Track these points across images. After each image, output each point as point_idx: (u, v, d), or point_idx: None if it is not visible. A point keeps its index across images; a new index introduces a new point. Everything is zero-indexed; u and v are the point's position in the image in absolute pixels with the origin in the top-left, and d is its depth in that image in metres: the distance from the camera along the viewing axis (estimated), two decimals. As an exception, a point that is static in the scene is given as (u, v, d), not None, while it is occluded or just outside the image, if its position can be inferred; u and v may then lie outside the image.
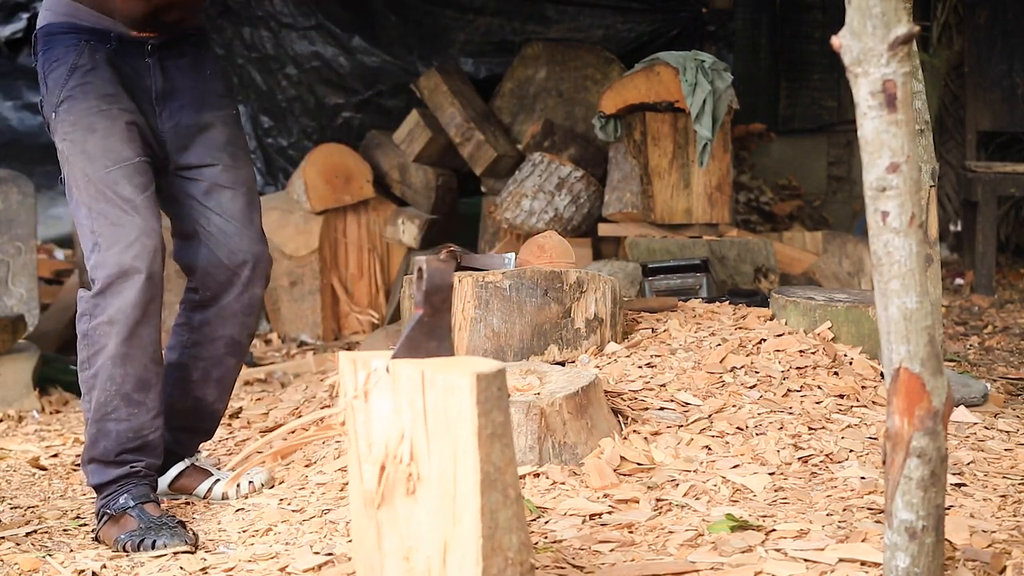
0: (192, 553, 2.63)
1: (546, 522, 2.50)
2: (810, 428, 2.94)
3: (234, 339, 3.04)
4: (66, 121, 2.82)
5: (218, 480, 3.07)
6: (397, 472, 1.88)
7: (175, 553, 2.63)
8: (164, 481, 3.08)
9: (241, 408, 4.10)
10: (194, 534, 2.72)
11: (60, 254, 6.70)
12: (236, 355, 3.07)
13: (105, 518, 2.81)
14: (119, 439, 2.82)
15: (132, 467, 2.83)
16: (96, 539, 2.83)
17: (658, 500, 2.60)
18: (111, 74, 2.83)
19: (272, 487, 3.06)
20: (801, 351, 3.29)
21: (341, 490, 2.89)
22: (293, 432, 2.12)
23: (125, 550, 2.69)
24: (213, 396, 3.09)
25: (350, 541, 2.54)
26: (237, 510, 2.95)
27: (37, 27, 2.90)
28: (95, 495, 2.89)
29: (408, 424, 1.88)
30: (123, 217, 2.76)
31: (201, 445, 3.20)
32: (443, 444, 1.85)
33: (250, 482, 3.05)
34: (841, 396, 3.11)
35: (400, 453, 1.88)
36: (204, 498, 3.07)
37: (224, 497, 3.04)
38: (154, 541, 2.67)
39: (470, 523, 1.83)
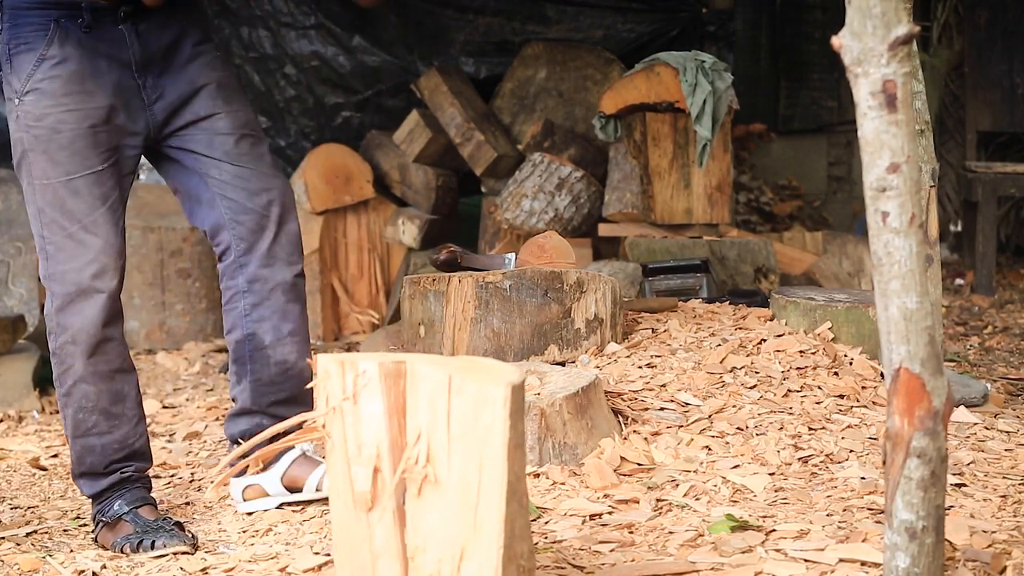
0: (191, 553, 2.63)
1: (546, 522, 2.50)
2: (810, 428, 2.94)
3: (287, 283, 2.88)
4: (30, 114, 2.70)
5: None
6: (411, 472, 1.86)
7: (174, 553, 2.63)
8: (276, 475, 2.93)
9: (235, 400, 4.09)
10: (192, 535, 2.72)
11: (60, 254, 6.70)
12: (297, 300, 2.90)
13: (101, 525, 2.80)
14: (104, 452, 2.79)
15: (123, 473, 2.82)
16: (95, 542, 2.82)
17: (658, 500, 2.60)
18: (82, 65, 2.69)
19: None
20: (801, 351, 3.29)
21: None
22: (273, 437, 2.11)
23: (124, 552, 2.69)
24: (294, 355, 2.92)
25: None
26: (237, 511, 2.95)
27: None
28: (91, 503, 2.88)
29: (426, 425, 1.86)
30: (80, 233, 2.70)
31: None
32: (468, 451, 1.83)
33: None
34: (841, 396, 3.11)
35: (415, 453, 1.87)
36: (317, 490, 2.89)
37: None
38: (153, 542, 2.66)
39: (492, 532, 1.82)
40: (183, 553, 2.63)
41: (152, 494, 2.90)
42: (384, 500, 1.89)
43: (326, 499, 2.82)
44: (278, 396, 2.91)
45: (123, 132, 2.76)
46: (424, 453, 1.86)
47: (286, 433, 2.10)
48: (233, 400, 2.98)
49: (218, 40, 6.14)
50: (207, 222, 2.87)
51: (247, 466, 2.11)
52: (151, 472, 3.00)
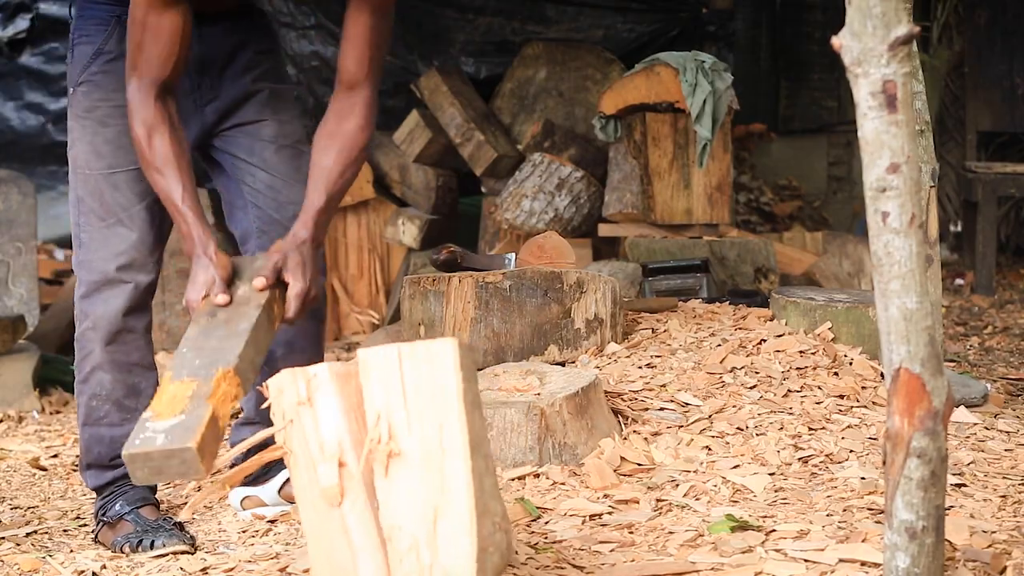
0: (190, 553, 2.63)
1: (546, 522, 2.50)
2: (810, 428, 2.94)
3: None
4: (81, 104, 2.74)
5: None
6: (375, 453, 1.90)
7: (173, 553, 2.63)
8: (273, 487, 2.93)
9: (242, 409, 4.09)
10: (191, 535, 2.72)
11: (60, 254, 6.70)
12: (315, 317, 2.87)
13: (102, 524, 2.80)
14: (113, 444, 2.78)
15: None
16: (96, 540, 2.82)
17: (658, 500, 2.60)
18: None
19: None
20: (801, 351, 3.29)
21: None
22: (233, 465, 2.13)
23: (123, 551, 2.69)
24: None
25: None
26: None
27: None
28: (95, 495, 2.88)
29: (383, 406, 1.90)
30: (116, 226, 2.71)
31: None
32: (426, 415, 1.88)
33: None
34: (841, 396, 3.11)
35: (377, 434, 1.90)
36: None
37: None
38: (152, 541, 2.66)
39: (461, 487, 1.86)
40: (182, 553, 2.63)
41: (156, 495, 2.91)
42: (353, 488, 1.91)
43: None
44: None
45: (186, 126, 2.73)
46: (385, 431, 1.90)
47: (252, 452, 2.11)
48: (241, 408, 2.98)
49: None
50: (239, 228, 2.87)
51: (229, 481, 2.12)
52: None
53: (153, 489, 2.88)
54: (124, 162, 2.72)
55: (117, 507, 2.79)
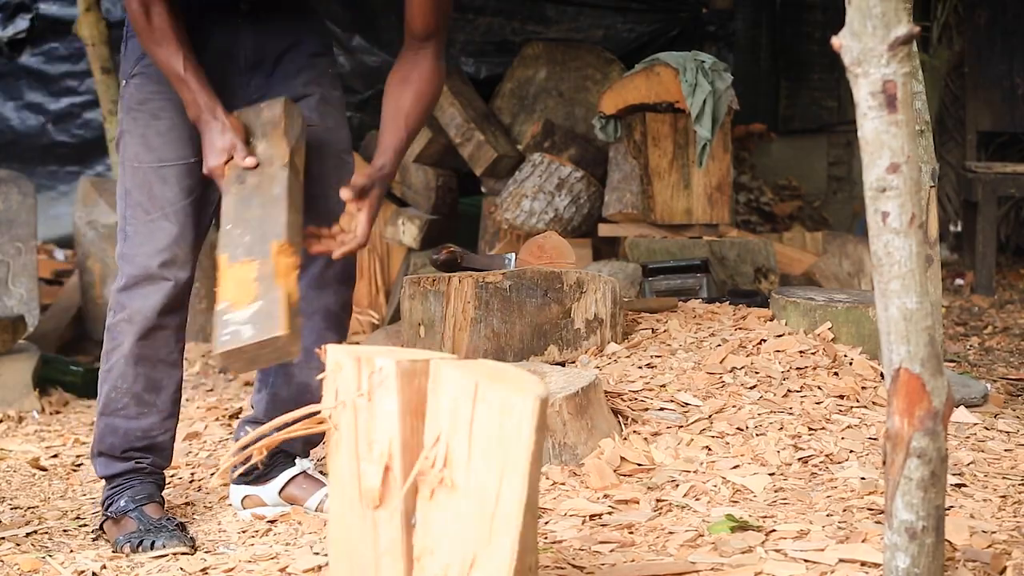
0: (190, 554, 2.63)
1: (546, 522, 2.50)
2: (810, 429, 2.94)
3: (331, 311, 2.85)
4: (134, 97, 2.74)
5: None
6: (426, 475, 1.85)
7: (173, 554, 2.63)
8: (274, 488, 2.93)
9: (241, 409, 4.10)
10: (192, 537, 2.72)
11: (60, 254, 6.70)
12: (337, 330, 2.88)
13: (106, 517, 2.81)
14: (127, 436, 2.79)
15: (137, 463, 2.81)
16: (101, 529, 2.83)
17: (658, 500, 2.60)
18: None
19: None
20: (801, 351, 3.29)
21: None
22: (279, 428, 2.10)
23: (124, 552, 2.69)
24: (317, 382, 2.94)
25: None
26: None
27: None
28: (102, 484, 2.88)
29: (447, 429, 1.84)
30: (160, 220, 2.70)
31: (313, 452, 3.00)
32: (490, 459, 1.82)
33: None
34: (841, 396, 3.11)
35: (434, 457, 1.85)
36: (318, 511, 2.87)
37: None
38: (152, 542, 2.66)
39: (507, 542, 1.81)
40: (182, 554, 2.63)
41: (164, 493, 2.90)
42: (394, 499, 1.87)
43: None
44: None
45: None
46: (442, 457, 1.84)
47: (282, 431, 2.09)
48: (251, 406, 2.98)
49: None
50: None
51: (249, 458, 2.09)
52: (168, 473, 2.98)
53: (159, 486, 2.88)
54: (174, 156, 2.71)
55: (122, 503, 2.79)
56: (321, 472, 2.95)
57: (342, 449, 1.92)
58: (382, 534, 1.90)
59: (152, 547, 2.66)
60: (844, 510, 2.48)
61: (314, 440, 2.95)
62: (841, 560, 2.18)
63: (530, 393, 1.78)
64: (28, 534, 2.87)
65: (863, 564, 2.15)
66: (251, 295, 2.33)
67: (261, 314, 2.28)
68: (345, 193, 2.61)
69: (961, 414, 3.10)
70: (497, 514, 1.81)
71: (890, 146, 1.84)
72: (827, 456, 2.81)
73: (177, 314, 2.76)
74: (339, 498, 1.95)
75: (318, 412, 1.97)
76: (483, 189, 5.80)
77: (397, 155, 2.73)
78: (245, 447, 2.09)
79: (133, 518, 2.76)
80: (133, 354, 2.74)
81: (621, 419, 2.98)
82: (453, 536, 1.84)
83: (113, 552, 2.72)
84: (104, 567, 2.60)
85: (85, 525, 2.97)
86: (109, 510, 2.81)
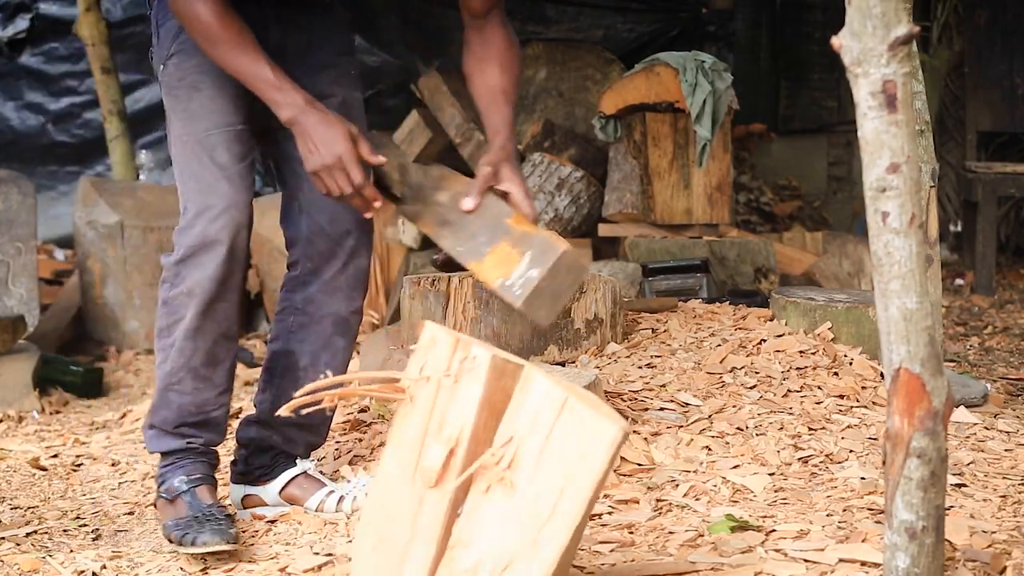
0: (232, 551, 2.56)
1: (546, 522, 2.50)
2: (810, 428, 2.94)
3: (341, 316, 2.84)
4: (173, 76, 2.68)
5: (331, 492, 2.87)
6: (488, 469, 1.85)
7: (213, 553, 2.55)
8: (274, 488, 2.91)
9: (241, 408, 4.09)
10: (237, 532, 2.62)
11: (60, 254, 6.71)
12: (345, 336, 2.86)
13: (160, 496, 2.75)
14: (180, 411, 2.72)
15: (189, 442, 2.73)
16: (153, 506, 2.82)
17: (658, 500, 2.60)
18: None
19: None
20: (801, 351, 3.29)
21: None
22: (354, 382, 2.09)
23: (170, 540, 2.64)
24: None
25: (350, 541, 2.54)
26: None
27: None
28: (157, 461, 2.81)
29: (522, 432, 1.85)
30: (215, 185, 2.63)
31: (313, 453, 2.98)
32: (555, 473, 1.82)
33: (367, 494, 2.91)
34: (841, 396, 3.11)
35: (501, 455, 1.85)
36: (317, 511, 2.85)
37: (337, 511, 2.84)
38: (194, 539, 2.55)
39: (549, 555, 1.82)
40: (223, 551, 2.55)
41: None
42: (449, 484, 1.88)
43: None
44: (293, 418, 2.81)
45: (253, 104, 2.70)
46: (509, 458, 1.85)
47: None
48: (254, 406, 2.96)
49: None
50: (288, 230, 2.85)
51: (319, 403, 2.08)
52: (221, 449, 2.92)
53: (212, 465, 2.79)
54: (221, 123, 2.66)
55: (176, 483, 2.71)
56: (321, 472, 2.95)
57: (411, 422, 1.92)
58: (425, 513, 1.90)
59: (193, 543, 2.55)
60: (844, 510, 2.48)
61: (315, 442, 2.96)
62: (841, 560, 2.18)
63: (618, 422, 1.81)
64: (28, 534, 2.87)
65: (863, 564, 2.15)
66: (516, 256, 2.45)
67: (535, 254, 2.40)
68: (469, 203, 2.60)
69: (961, 414, 3.10)
70: (547, 527, 1.82)
71: (890, 146, 1.84)
72: (827, 456, 2.81)
73: (235, 285, 2.69)
74: (393, 468, 1.94)
75: (398, 380, 1.96)
76: (483, 189, 5.79)
77: (509, 128, 2.70)
78: (318, 391, 2.08)
79: (186, 501, 2.68)
80: (194, 327, 2.66)
81: (621, 419, 2.98)
82: (495, 536, 1.85)
83: (113, 552, 2.71)
84: (104, 567, 2.60)
85: (85, 525, 2.96)
86: (162, 488, 2.73)
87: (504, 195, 2.62)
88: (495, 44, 2.76)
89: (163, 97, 2.73)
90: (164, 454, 2.76)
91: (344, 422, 3.33)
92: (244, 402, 4.20)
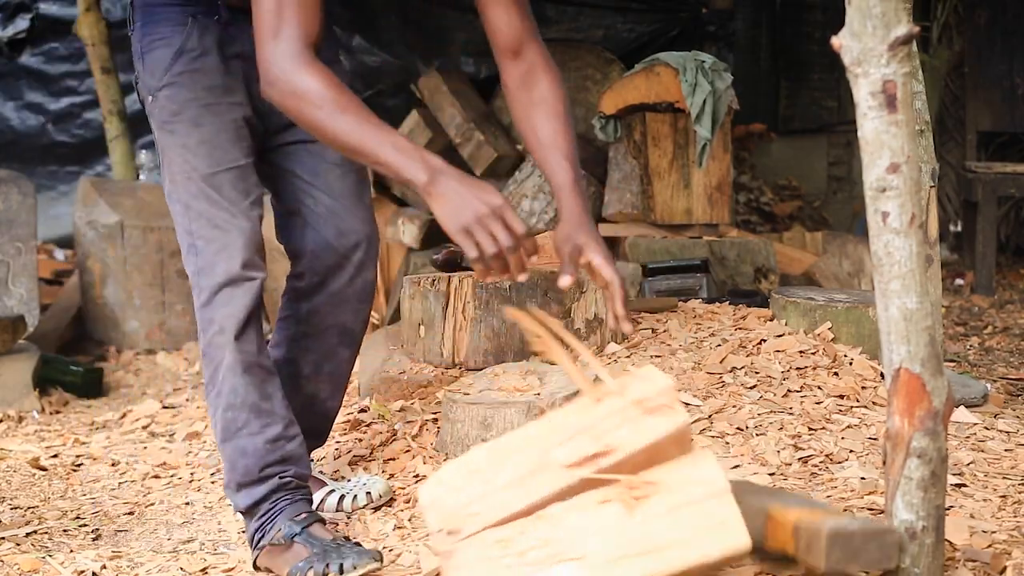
0: (379, 569, 2.42)
1: (546, 522, 2.50)
2: (810, 428, 2.94)
3: (347, 328, 2.79)
4: (167, 109, 2.58)
5: (332, 491, 2.85)
6: (614, 488, 1.93)
7: (367, 573, 2.40)
8: None
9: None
10: (380, 551, 2.47)
11: (60, 254, 6.70)
12: (350, 346, 2.82)
13: (263, 547, 2.55)
14: (257, 454, 2.56)
15: (281, 478, 2.57)
16: (255, 567, 2.57)
17: (658, 500, 2.59)
18: (220, 60, 2.59)
19: (392, 501, 2.85)
20: (801, 351, 3.29)
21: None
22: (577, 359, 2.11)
23: None
24: (326, 393, 2.83)
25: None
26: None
27: None
28: (245, 520, 2.63)
29: (672, 485, 1.94)
30: (229, 222, 2.56)
31: (313, 453, 2.94)
32: (670, 535, 1.90)
33: (367, 493, 2.84)
34: (841, 396, 3.11)
35: (643, 485, 1.93)
36: (318, 510, 2.78)
37: (338, 509, 2.83)
38: (341, 564, 2.39)
39: None
40: (373, 570, 2.40)
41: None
42: (583, 471, 1.94)
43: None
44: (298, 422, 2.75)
45: (254, 132, 2.65)
46: (647, 494, 1.92)
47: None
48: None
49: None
50: (290, 244, 2.79)
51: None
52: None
53: (309, 500, 2.63)
54: (223, 160, 2.58)
55: (284, 528, 2.52)
56: (321, 472, 2.95)
57: (585, 416, 1.99)
58: (538, 476, 1.94)
59: (341, 570, 2.38)
60: (844, 510, 2.48)
61: (316, 444, 2.94)
62: (841, 560, 2.17)
63: (745, 538, 1.89)
64: (28, 534, 2.87)
65: (863, 564, 2.15)
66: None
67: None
68: (565, 282, 2.37)
69: (961, 414, 3.10)
70: (629, 560, 1.88)
71: (890, 146, 1.84)
72: (827, 456, 2.81)
73: (259, 319, 2.61)
74: (539, 431, 2.00)
75: (602, 382, 2.02)
76: (483, 189, 5.78)
77: (571, 187, 2.46)
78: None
79: (302, 542, 2.49)
80: (235, 362, 2.54)
81: (621, 419, 2.98)
82: (579, 535, 1.90)
83: (113, 552, 2.71)
84: (104, 567, 2.60)
85: (85, 525, 2.97)
86: (267, 538, 2.54)
87: (587, 265, 2.42)
88: (541, 88, 2.55)
89: (155, 129, 2.63)
90: (257, 503, 2.58)
91: (344, 422, 3.33)
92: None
